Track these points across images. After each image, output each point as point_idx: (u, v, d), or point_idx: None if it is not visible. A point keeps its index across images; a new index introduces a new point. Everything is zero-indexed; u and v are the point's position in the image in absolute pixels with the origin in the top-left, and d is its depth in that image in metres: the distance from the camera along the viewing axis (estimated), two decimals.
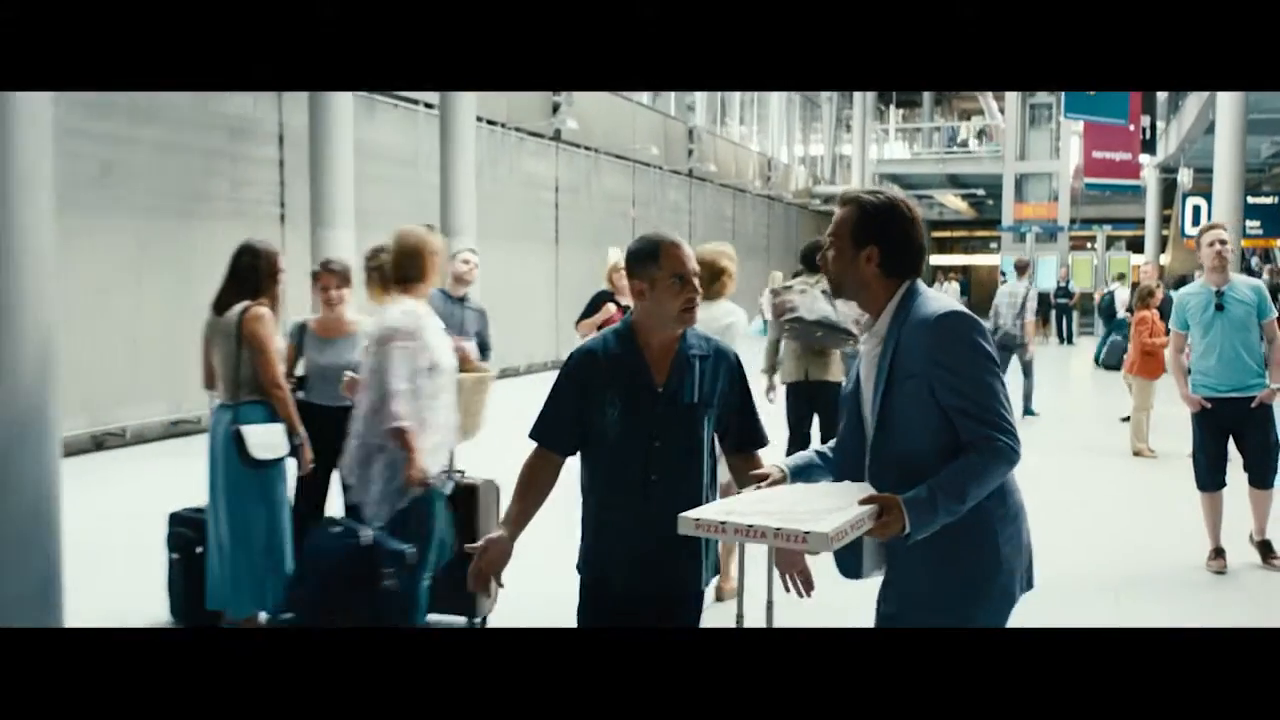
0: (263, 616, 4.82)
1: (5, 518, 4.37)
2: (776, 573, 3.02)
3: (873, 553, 2.80)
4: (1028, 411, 12.24)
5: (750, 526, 2.50)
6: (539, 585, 4.46)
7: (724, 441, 3.19)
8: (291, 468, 4.91)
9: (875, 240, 2.70)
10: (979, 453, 2.55)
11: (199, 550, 4.98)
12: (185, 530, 5.09)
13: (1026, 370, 12.30)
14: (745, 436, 3.18)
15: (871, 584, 2.81)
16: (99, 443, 10.43)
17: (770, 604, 3.33)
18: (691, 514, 2.62)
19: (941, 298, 2.72)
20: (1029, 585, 2.76)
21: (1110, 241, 31.75)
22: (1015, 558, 2.70)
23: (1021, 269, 13.03)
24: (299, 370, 5.26)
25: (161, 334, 10.77)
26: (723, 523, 2.54)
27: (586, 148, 19.47)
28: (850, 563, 2.77)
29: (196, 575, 4.97)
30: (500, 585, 2.97)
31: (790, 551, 2.81)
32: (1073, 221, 31.64)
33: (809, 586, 2.96)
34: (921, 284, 2.76)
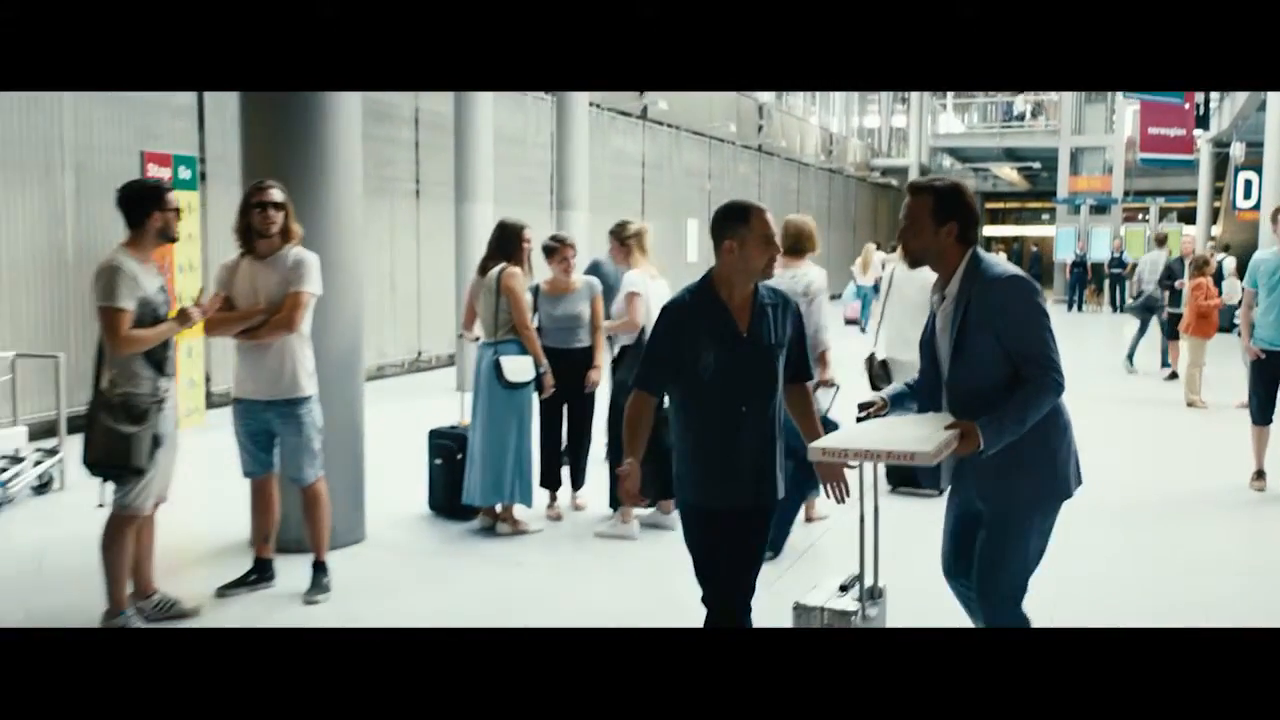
0: (519, 509, 6.27)
1: (336, 426, 5.80)
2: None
3: (947, 471, 3.51)
4: (1165, 364, 13.60)
5: (869, 450, 3.13)
6: None
7: (785, 374, 3.63)
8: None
9: (953, 217, 3.34)
10: (1035, 386, 3.20)
11: (459, 457, 6.43)
12: (447, 442, 6.54)
13: (1166, 330, 13.57)
14: (800, 371, 3.70)
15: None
16: None
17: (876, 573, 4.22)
18: (818, 444, 3.26)
19: (1001, 262, 3.36)
20: (1079, 480, 3.43)
21: (1163, 213, 32.36)
22: (1068, 459, 3.38)
23: (1161, 241, 14.85)
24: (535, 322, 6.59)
25: None
26: (845, 450, 3.16)
27: (670, 125, 20.75)
28: (933, 482, 3.76)
29: (455, 477, 6.42)
30: (645, 499, 3.77)
31: (832, 467, 3.46)
32: (1126, 194, 32.23)
33: (847, 493, 3.58)
34: (980, 250, 3.38)
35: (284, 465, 5.18)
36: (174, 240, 4.73)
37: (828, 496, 3.61)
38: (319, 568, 5.19)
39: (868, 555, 3.46)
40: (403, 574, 5.62)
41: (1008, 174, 41.87)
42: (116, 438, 4.39)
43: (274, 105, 5.74)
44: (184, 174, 9.71)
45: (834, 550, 5.76)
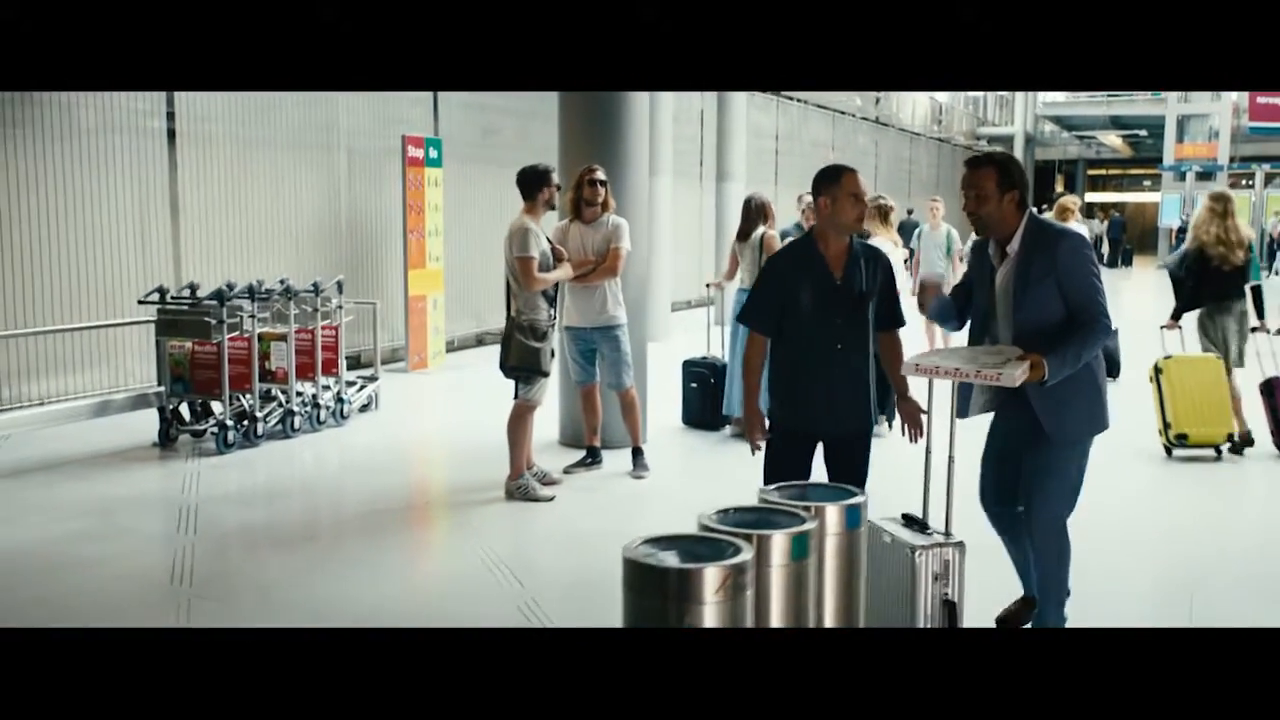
0: None
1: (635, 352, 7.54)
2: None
3: (978, 401, 3.91)
4: None
5: (958, 368, 3.45)
6: None
7: (876, 323, 4.00)
8: None
9: (1015, 186, 3.73)
10: (1089, 328, 3.61)
11: (712, 381, 8.17)
12: (702, 370, 8.30)
13: None
14: (891, 318, 4.06)
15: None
16: (479, 339, 13.72)
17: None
18: (910, 360, 3.65)
19: (1055, 222, 4.25)
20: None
21: (1268, 179, 32.72)
22: (1107, 396, 3.86)
23: None
24: None
25: None
26: (937, 366, 3.52)
27: (799, 100, 22.25)
28: (963, 408, 3.84)
29: (709, 397, 8.17)
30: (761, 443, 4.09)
31: (912, 410, 3.95)
32: (1232, 160, 32.68)
33: (921, 433, 3.91)
34: (1034, 212, 3.79)
35: (604, 376, 6.92)
36: (554, 209, 6.47)
37: (902, 434, 4.10)
38: (637, 452, 6.96)
39: (931, 488, 3.71)
40: (688, 465, 7.41)
41: (1113, 141, 42.42)
42: (528, 350, 6.18)
43: (587, 108, 7.47)
44: (433, 154, 11.53)
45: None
